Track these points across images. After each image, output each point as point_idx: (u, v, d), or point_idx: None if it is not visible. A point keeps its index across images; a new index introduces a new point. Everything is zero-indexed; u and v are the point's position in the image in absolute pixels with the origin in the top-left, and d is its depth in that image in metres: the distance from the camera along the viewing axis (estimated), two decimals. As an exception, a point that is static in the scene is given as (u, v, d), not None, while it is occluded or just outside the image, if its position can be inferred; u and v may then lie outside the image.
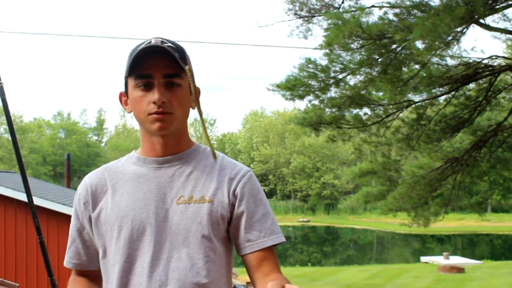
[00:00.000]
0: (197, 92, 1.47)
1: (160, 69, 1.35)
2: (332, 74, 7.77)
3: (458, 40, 6.55)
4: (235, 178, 1.41)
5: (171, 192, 1.39)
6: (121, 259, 1.36)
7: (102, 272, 1.43)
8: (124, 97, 1.46)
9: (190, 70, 1.40)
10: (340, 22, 6.47)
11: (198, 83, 1.44)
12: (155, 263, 1.34)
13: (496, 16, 7.00)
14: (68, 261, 1.52)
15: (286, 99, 8.23)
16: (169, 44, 1.37)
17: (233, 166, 1.44)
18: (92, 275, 1.51)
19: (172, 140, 1.42)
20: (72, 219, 1.50)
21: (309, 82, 7.94)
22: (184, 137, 1.46)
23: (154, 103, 1.34)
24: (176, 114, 1.37)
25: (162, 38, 1.39)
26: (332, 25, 6.78)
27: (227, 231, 1.41)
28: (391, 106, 8.68)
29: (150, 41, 1.37)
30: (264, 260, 1.36)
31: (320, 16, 8.16)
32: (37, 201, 8.36)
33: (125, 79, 1.42)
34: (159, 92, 1.34)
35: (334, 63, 7.59)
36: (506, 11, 6.88)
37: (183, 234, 1.35)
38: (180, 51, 1.39)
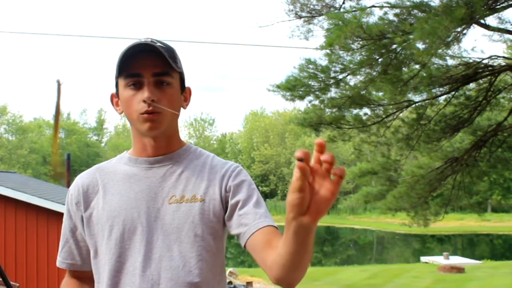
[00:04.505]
0: (188, 92, 1.49)
1: (149, 68, 1.36)
2: (332, 75, 7.77)
3: (458, 40, 6.55)
4: (225, 175, 1.41)
5: (163, 191, 1.39)
6: (112, 259, 1.37)
7: (93, 272, 1.44)
8: (115, 98, 1.46)
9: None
10: (341, 23, 6.46)
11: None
12: (147, 262, 1.34)
13: (496, 16, 7.00)
14: (61, 261, 1.52)
15: (286, 99, 8.23)
16: (159, 44, 1.38)
17: (223, 165, 1.44)
18: (85, 276, 1.52)
19: (163, 141, 1.43)
20: (65, 220, 1.50)
21: (309, 82, 7.93)
22: (175, 137, 1.47)
23: (144, 101, 1.34)
24: (165, 112, 1.37)
25: (151, 38, 1.39)
26: (333, 26, 6.78)
27: (222, 230, 1.40)
28: (391, 106, 8.67)
29: (140, 41, 1.38)
30: (271, 235, 1.29)
31: (321, 16, 8.17)
32: (37, 201, 8.38)
33: (115, 80, 1.42)
34: (149, 91, 1.35)
35: (334, 64, 7.59)
36: (505, 13, 6.88)
37: (175, 233, 1.35)
38: (170, 50, 1.39)
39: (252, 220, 1.33)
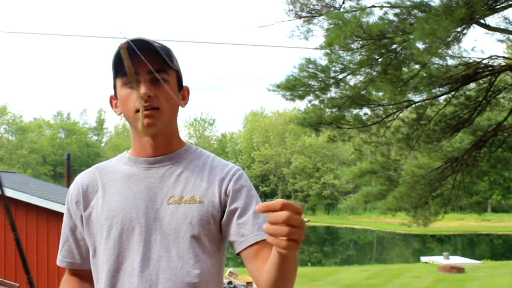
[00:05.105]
0: (186, 90, 1.49)
1: (145, 65, 1.35)
2: (332, 74, 7.77)
3: (458, 40, 6.55)
4: (226, 178, 1.41)
5: (161, 192, 1.39)
6: (110, 259, 1.37)
7: (92, 272, 1.44)
8: (114, 100, 1.47)
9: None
10: (340, 23, 6.46)
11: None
12: (145, 262, 1.34)
13: (496, 16, 7.00)
14: (61, 260, 1.53)
15: (286, 99, 8.23)
16: (155, 43, 1.38)
17: (223, 166, 1.44)
18: (85, 274, 1.52)
19: (162, 141, 1.42)
20: (65, 218, 1.51)
21: (309, 82, 7.93)
22: (175, 137, 1.47)
23: (141, 98, 1.34)
24: (163, 109, 1.37)
25: (146, 39, 1.40)
26: (332, 25, 6.78)
27: (219, 232, 1.40)
28: (391, 106, 8.67)
29: (133, 38, 1.38)
30: (262, 249, 1.33)
31: (320, 16, 8.16)
32: (37, 201, 8.38)
33: (113, 81, 1.43)
34: (145, 87, 1.35)
35: (334, 63, 7.58)
36: (506, 12, 6.87)
37: (173, 234, 1.35)
38: (165, 49, 1.40)
39: (250, 232, 1.34)
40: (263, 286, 1.28)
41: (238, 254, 1.37)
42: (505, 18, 7.18)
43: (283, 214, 1.01)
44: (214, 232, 1.39)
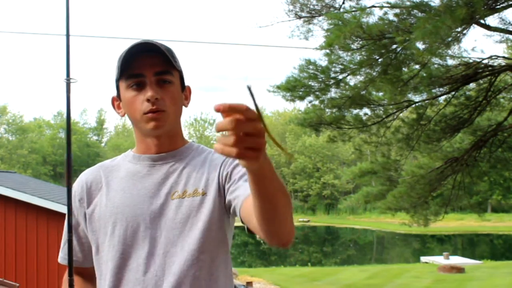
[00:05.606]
0: (188, 90, 1.49)
1: (150, 67, 1.37)
2: (332, 75, 7.76)
3: (458, 40, 6.55)
4: (221, 163, 1.41)
5: (165, 188, 1.40)
6: (115, 256, 1.38)
7: (95, 269, 1.45)
8: (116, 101, 1.47)
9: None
10: (340, 23, 6.46)
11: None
12: (150, 258, 1.35)
13: (497, 16, 6.99)
14: (63, 257, 1.53)
15: (287, 100, 8.22)
16: (158, 45, 1.39)
17: (222, 157, 1.43)
18: (87, 272, 1.53)
19: (166, 140, 1.44)
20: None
21: (309, 83, 7.93)
22: (178, 135, 1.48)
23: (148, 100, 1.35)
24: (169, 111, 1.38)
25: (152, 41, 1.40)
26: (332, 26, 6.78)
27: (222, 221, 1.39)
28: (391, 106, 8.67)
29: (139, 41, 1.39)
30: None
31: (320, 16, 8.17)
32: (37, 201, 8.38)
33: (116, 83, 1.43)
34: (152, 89, 1.35)
35: (334, 64, 7.58)
36: (505, 13, 6.87)
37: (178, 229, 1.36)
38: (169, 50, 1.40)
39: (244, 191, 1.29)
40: (255, 225, 1.18)
41: (241, 219, 1.31)
42: (503, 20, 7.18)
43: (226, 121, 0.88)
44: (219, 222, 1.39)
